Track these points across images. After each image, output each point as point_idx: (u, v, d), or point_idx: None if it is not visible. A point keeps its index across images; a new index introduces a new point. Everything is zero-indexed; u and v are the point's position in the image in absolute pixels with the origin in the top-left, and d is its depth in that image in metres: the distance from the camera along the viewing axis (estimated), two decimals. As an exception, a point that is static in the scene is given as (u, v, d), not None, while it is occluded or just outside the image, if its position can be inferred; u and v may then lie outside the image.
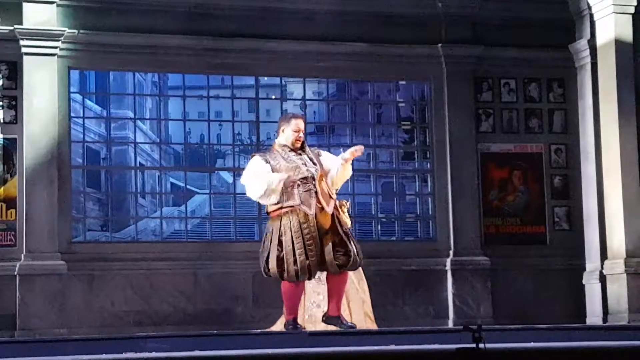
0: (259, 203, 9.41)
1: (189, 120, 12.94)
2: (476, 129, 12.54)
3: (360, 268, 8.64)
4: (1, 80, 11.47)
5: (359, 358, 5.96)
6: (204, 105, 12.56)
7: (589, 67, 12.33)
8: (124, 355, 6.17)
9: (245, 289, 11.72)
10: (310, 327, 8.68)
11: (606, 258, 11.83)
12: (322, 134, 13.55)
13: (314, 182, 8.11)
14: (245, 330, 10.20)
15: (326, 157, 8.40)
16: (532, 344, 6.25)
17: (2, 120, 11.44)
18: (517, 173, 12.66)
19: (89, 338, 8.11)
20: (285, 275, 8.02)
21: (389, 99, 13.36)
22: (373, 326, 9.08)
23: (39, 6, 11.46)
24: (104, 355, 6.13)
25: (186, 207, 14.14)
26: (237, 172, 12.16)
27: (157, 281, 11.59)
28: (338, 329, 8.10)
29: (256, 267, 8.45)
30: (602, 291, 11.88)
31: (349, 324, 8.20)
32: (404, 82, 13.19)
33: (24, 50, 11.40)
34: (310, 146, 8.50)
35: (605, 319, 11.76)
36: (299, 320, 8.38)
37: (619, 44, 11.75)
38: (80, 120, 12.43)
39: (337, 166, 8.28)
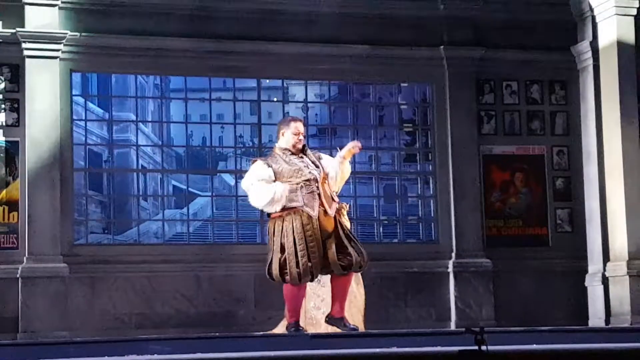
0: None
1: (191, 122, 12.94)
2: (478, 131, 12.54)
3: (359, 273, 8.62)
4: (3, 83, 11.48)
5: (361, 360, 5.96)
6: (206, 107, 12.57)
7: (591, 69, 12.33)
8: (126, 357, 6.17)
9: (247, 292, 11.72)
10: (311, 330, 8.67)
11: (608, 260, 11.81)
12: (324, 136, 13.50)
13: (316, 185, 8.09)
14: (247, 332, 10.18)
15: (326, 159, 8.39)
16: (534, 346, 6.24)
17: (4, 123, 11.45)
18: (519, 175, 12.66)
19: (91, 340, 8.10)
20: (288, 277, 8.01)
21: (390, 101, 13.33)
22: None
23: (41, 9, 11.47)
24: (106, 358, 6.14)
25: (188, 210, 14.08)
26: (239, 174, 12.16)
27: (159, 283, 11.60)
28: (340, 330, 8.10)
29: (258, 270, 8.46)
30: (605, 293, 11.87)
31: (352, 326, 8.19)
32: (405, 84, 13.17)
33: (26, 53, 11.41)
34: (311, 149, 8.49)
35: (607, 321, 11.75)
36: (301, 323, 8.37)
37: (621, 45, 11.73)
38: (82, 123, 12.40)
39: (336, 166, 8.28)
